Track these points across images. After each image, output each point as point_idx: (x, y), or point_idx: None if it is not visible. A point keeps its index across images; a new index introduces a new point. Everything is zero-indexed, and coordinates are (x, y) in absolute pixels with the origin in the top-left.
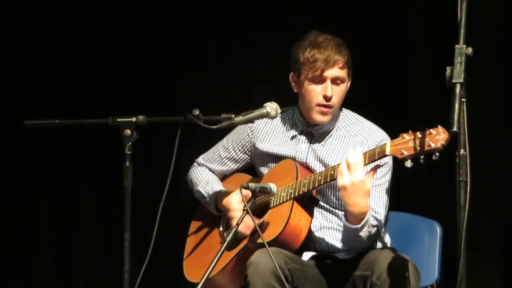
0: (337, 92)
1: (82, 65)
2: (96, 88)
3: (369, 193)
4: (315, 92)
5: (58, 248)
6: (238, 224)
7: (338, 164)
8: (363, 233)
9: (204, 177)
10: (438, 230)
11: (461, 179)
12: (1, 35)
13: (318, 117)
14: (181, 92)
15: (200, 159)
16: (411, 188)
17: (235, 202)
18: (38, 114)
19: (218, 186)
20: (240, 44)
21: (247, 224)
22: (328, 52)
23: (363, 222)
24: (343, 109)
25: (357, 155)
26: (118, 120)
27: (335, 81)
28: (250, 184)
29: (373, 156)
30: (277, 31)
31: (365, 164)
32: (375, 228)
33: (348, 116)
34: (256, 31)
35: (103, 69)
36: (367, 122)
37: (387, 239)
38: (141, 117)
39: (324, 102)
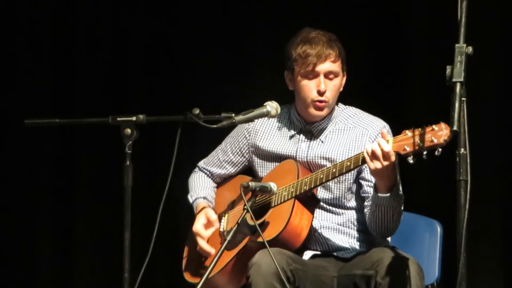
0: (331, 87)
1: (82, 64)
2: (96, 86)
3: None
4: (309, 88)
5: (58, 247)
6: (238, 224)
7: (342, 161)
8: (397, 201)
9: (195, 185)
10: (439, 229)
11: (461, 178)
12: (1, 34)
13: (314, 113)
14: (181, 91)
15: (201, 163)
16: (411, 187)
17: (198, 225)
18: (38, 113)
19: (201, 193)
20: (240, 42)
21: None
22: (319, 46)
23: (394, 189)
24: (339, 104)
25: (382, 144)
26: (118, 119)
27: (328, 75)
28: (250, 183)
29: None
30: (277, 30)
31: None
32: (403, 201)
33: (344, 110)
34: (256, 29)
35: (103, 67)
36: (363, 113)
37: (388, 237)
38: (141, 116)
39: (319, 98)
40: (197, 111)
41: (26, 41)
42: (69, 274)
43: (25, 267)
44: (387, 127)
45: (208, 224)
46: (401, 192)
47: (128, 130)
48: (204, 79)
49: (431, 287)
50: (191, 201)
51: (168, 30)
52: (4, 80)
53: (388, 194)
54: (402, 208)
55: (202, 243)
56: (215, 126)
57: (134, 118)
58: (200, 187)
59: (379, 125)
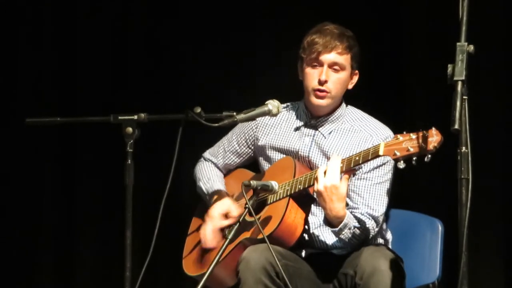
0: (334, 79)
1: (83, 63)
2: (98, 85)
3: (344, 198)
4: (312, 76)
5: (59, 245)
6: (239, 222)
7: None
8: (344, 235)
9: (207, 174)
10: (440, 227)
11: (462, 176)
12: (1, 33)
13: (315, 101)
14: (182, 89)
15: (206, 153)
16: (412, 185)
17: (215, 211)
18: (39, 111)
19: (218, 184)
20: (241, 42)
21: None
22: (328, 37)
23: (341, 225)
24: (348, 106)
25: (334, 161)
26: (119, 117)
27: (332, 66)
28: (251, 182)
29: (367, 156)
30: (278, 29)
31: (359, 164)
32: (358, 230)
33: (353, 112)
34: (257, 29)
35: (104, 66)
36: (371, 119)
37: (389, 236)
38: (142, 115)
39: (319, 87)
40: (198, 109)
41: (27, 39)
42: (70, 273)
43: (25, 266)
44: (390, 138)
45: (225, 218)
46: (357, 224)
47: (130, 129)
48: (205, 77)
49: (432, 286)
50: (204, 188)
51: (169, 29)
52: (5, 79)
53: (334, 229)
54: (361, 231)
55: (208, 230)
56: (216, 124)
57: (135, 117)
58: (214, 176)
59: (384, 134)
